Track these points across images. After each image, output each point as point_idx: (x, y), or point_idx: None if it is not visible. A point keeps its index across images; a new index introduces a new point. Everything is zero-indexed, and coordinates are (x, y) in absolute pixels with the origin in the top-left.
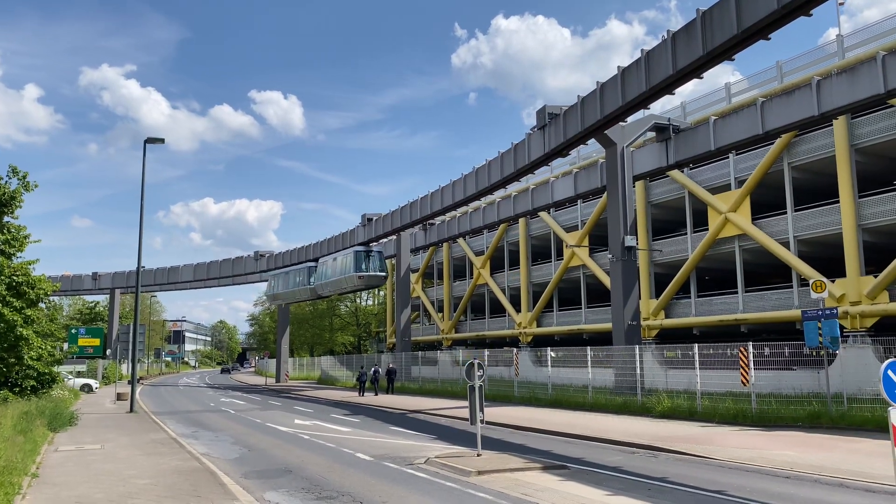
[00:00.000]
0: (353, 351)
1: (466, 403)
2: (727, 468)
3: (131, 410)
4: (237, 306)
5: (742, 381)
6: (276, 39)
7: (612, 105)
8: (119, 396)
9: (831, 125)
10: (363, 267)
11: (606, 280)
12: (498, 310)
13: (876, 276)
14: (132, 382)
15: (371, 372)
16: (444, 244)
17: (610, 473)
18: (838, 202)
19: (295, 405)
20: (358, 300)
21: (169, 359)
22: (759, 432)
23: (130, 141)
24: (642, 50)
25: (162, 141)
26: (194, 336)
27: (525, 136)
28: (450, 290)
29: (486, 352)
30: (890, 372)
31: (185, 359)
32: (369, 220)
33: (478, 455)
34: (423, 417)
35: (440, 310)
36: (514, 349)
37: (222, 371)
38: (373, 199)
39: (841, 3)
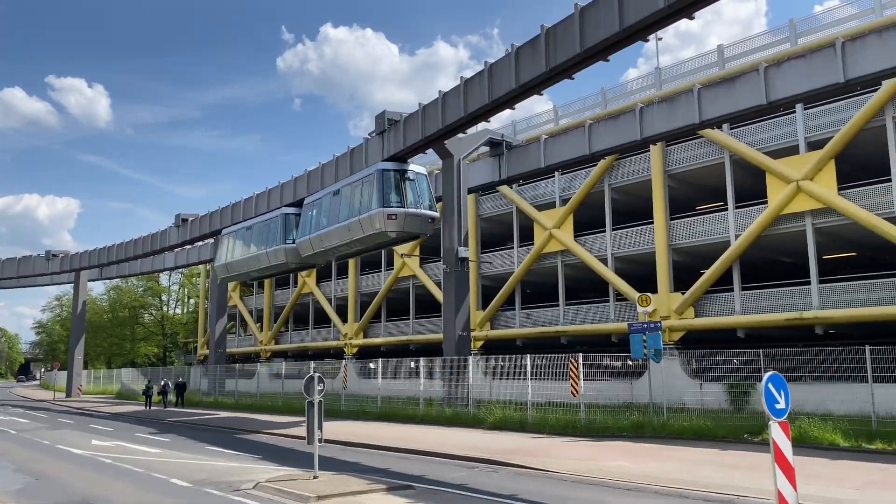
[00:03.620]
0: (159, 363)
1: (291, 419)
2: (570, 482)
3: None
4: (21, 312)
5: (572, 392)
6: (81, 21)
7: (454, 115)
8: None
9: (649, 150)
10: (396, 198)
11: (436, 291)
12: (322, 320)
13: (684, 294)
14: None
15: (160, 384)
16: None
17: (457, 492)
18: (652, 223)
19: (91, 423)
20: (165, 307)
21: None
22: (589, 443)
23: None
24: (486, 62)
25: None
26: None
27: (363, 141)
28: (271, 298)
29: (312, 363)
30: (770, 385)
31: None
32: (184, 220)
33: (314, 477)
34: (245, 436)
35: (259, 320)
36: (343, 360)
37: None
38: (188, 202)
39: (660, 39)
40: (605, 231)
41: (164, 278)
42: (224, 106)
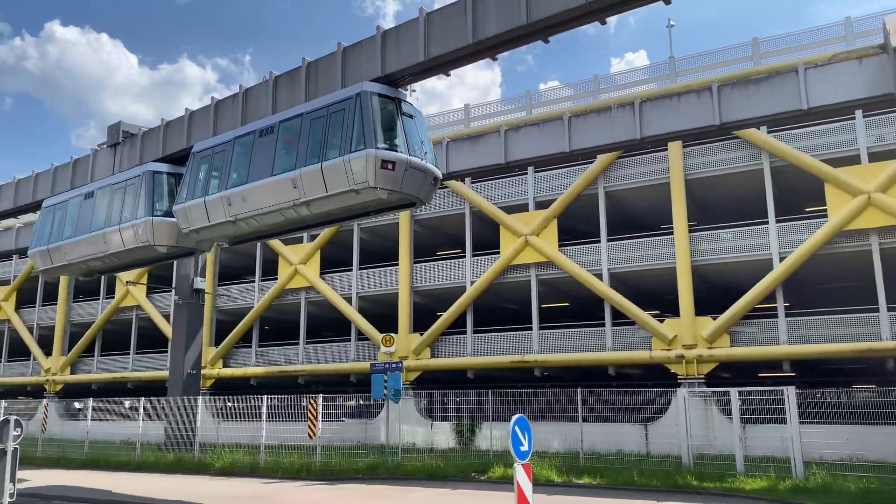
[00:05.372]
0: None
1: None
2: None
3: None
4: None
5: (309, 434)
6: None
7: (202, 135)
8: None
9: None
10: (390, 139)
11: (163, 324)
12: (21, 352)
13: (422, 335)
14: None
15: None
16: None
17: None
18: (398, 265)
19: None
20: None
21: None
22: (324, 486)
23: None
24: (241, 86)
25: None
26: None
27: (90, 152)
28: None
29: (3, 403)
30: (517, 428)
31: None
32: None
33: None
34: None
35: None
36: (44, 400)
37: None
38: None
39: (413, 91)
40: (351, 270)
41: None
42: None
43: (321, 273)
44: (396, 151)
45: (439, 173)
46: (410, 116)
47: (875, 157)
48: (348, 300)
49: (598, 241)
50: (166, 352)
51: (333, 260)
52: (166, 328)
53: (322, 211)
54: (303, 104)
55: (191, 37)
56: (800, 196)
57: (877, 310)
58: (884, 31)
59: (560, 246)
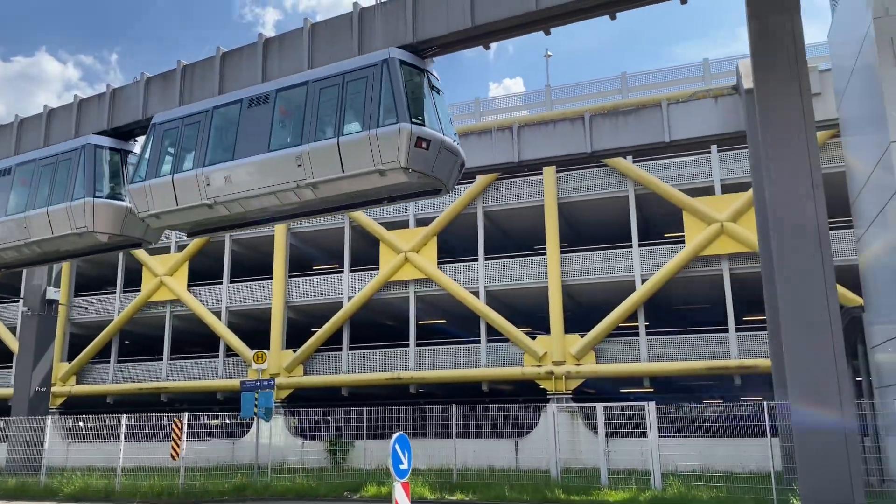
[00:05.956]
0: None
1: None
2: None
3: None
4: None
5: (172, 455)
6: None
7: (63, 136)
8: None
9: None
10: (422, 113)
11: (8, 337)
12: None
13: (295, 351)
14: None
15: None
16: None
17: None
18: (272, 279)
19: None
20: None
21: None
22: None
23: None
24: (108, 85)
25: None
26: None
27: (15, 120)
28: None
29: None
30: (397, 447)
31: None
32: None
33: None
34: None
35: None
36: None
37: None
38: None
39: None
40: (222, 283)
41: None
42: None
43: (189, 285)
44: (429, 129)
45: (464, 158)
46: (439, 92)
47: (727, 188)
48: (218, 315)
49: (476, 260)
50: (11, 367)
51: (203, 272)
52: (12, 341)
53: (330, 195)
54: (305, 71)
55: (51, 30)
56: (661, 222)
57: (727, 330)
58: (737, 74)
59: (439, 263)
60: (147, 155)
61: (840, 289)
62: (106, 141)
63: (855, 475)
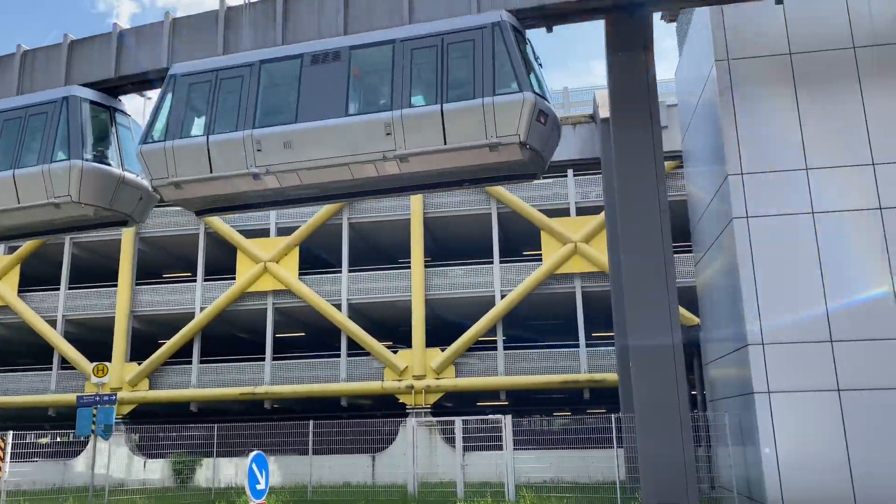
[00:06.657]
0: None
1: None
2: None
3: None
4: None
5: None
6: None
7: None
8: None
9: None
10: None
11: None
12: None
13: (140, 364)
14: None
15: None
16: None
17: None
18: (116, 286)
19: None
20: None
21: None
22: None
23: None
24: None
25: None
26: None
27: None
28: None
29: None
30: (254, 466)
31: None
32: None
33: None
34: None
35: None
36: None
37: None
38: None
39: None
40: (58, 289)
41: None
42: None
43: (19, 291)
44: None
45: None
46: (541, 65)
47: (582, 211)
48: (53, 323)
49: (340, 272)
50: None
51: (36, 276)
52: None
53: (419, 170)
54: (390, 28)
55: None
56: (521, 240)
57: (577, 345)
58: (593, 104)
59: (301, 274)
60: (165, 112)
61: (679, 309)
62: (92, 94)
63: (690, 482)
